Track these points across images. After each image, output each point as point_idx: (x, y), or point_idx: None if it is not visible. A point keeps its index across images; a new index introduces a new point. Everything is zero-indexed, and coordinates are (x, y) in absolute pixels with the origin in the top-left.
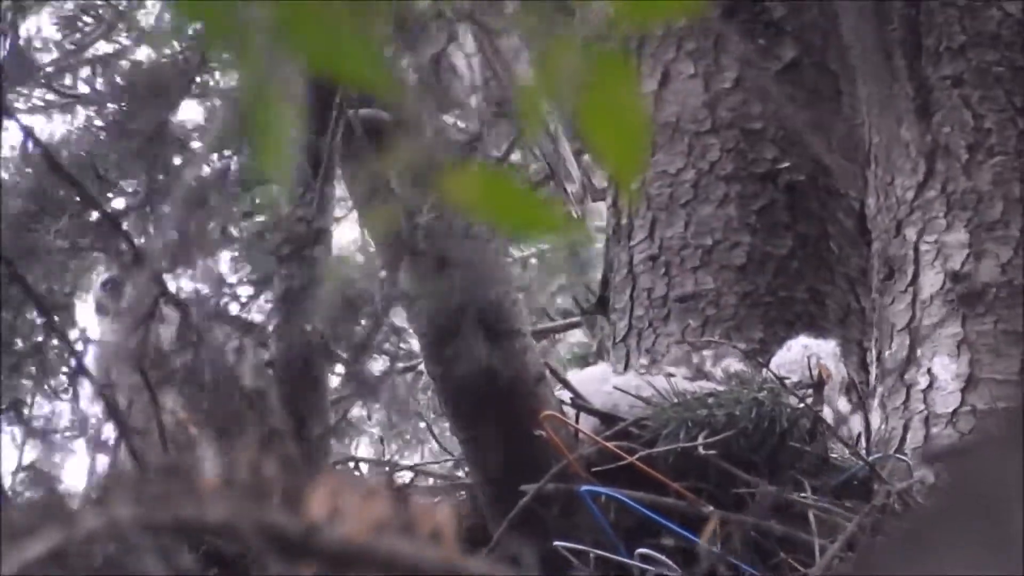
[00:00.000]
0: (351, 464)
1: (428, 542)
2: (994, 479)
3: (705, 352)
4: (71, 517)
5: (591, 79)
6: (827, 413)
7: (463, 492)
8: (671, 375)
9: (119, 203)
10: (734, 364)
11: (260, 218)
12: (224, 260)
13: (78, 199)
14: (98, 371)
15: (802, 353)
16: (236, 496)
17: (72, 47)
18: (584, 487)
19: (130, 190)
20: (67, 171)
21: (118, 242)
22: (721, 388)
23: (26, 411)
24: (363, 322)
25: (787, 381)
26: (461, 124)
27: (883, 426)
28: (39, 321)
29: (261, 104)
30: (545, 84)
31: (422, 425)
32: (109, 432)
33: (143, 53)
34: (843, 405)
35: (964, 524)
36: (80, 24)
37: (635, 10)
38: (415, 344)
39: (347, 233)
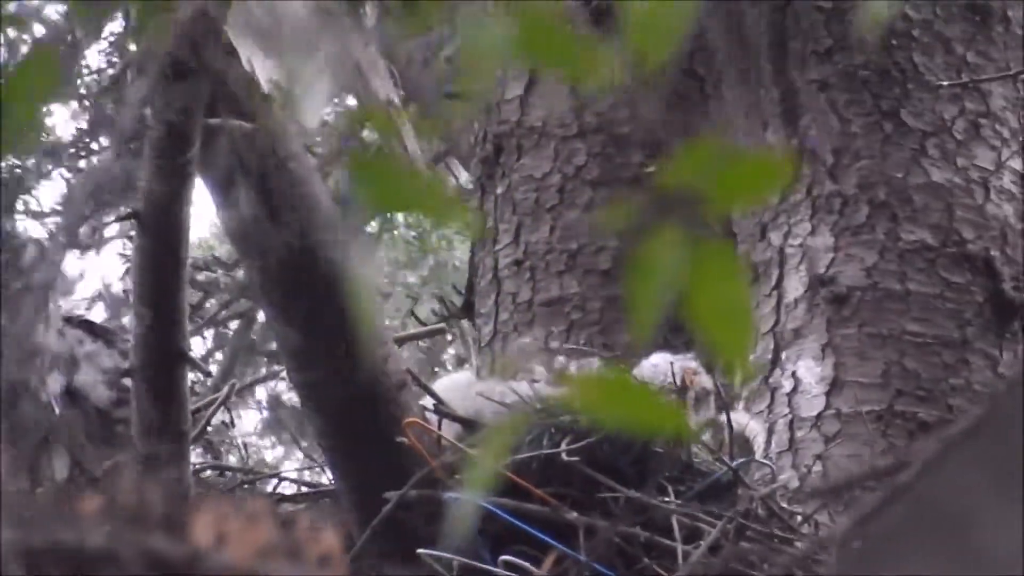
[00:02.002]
0: (214, 472)
1: (315, 567)
2: (954, 494)
3: (569, 358)
4: None
5: (698, 270)
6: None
7: (327, 499)
8: (534, 381)
9: None
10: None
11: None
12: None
13: None
14: None
15: (665, 364)
16: (117, 521)
17: None
18: (449, 494)
19: None
20: None
21: None
22: None
23: None
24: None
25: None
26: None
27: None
28: None
29: None
30: (655, 275)
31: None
32: None
33: None
34: (743, 417)
35: (925, 538)
36: None
37: (726, 195)
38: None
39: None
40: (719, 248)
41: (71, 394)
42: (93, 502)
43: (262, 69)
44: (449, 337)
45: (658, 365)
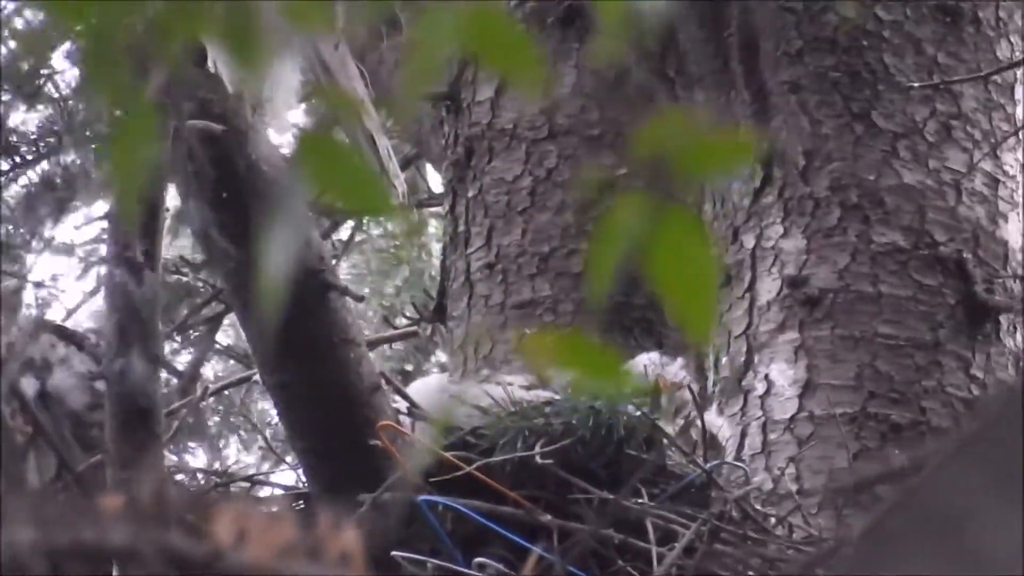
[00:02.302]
0: (186, 475)
1: (335, 566)
2: (953, 495)
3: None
4: None
5: (660, 233)
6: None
7: (300, 502)
8: (508, 384)
9: None
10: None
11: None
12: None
13: None
14: None
15: (646, 366)
16: (138, 520)
17: None
18: (421, 497)
19: None
20: None
21: None
22: (558, 396)
23: None
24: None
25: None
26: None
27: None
28: None
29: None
30: (616, 237)
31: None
32: None
33: None
34: (716, 418)
35: (922, 539)
36: None
37: (696, 164)
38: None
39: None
40: (682, 212)
41: (45, 398)
42: (114, 501)
43: (229, 70)
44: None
45: (647, 366)
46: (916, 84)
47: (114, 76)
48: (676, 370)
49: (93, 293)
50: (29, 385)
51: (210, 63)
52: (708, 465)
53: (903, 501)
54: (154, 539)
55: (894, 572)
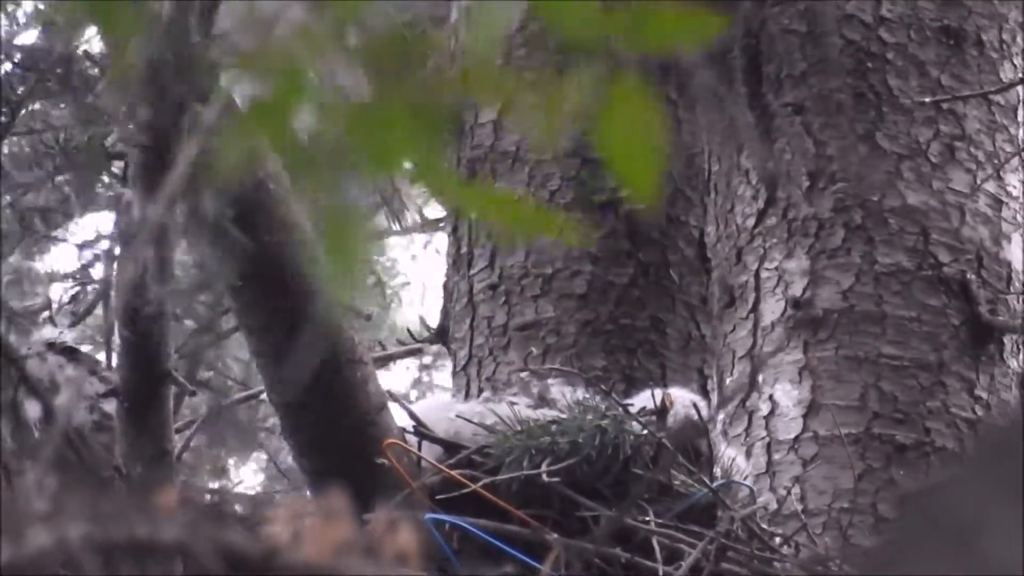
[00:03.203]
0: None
1: (392, 564)
2: (960, 507)
3: (548, 380)
4: (20, 534)
5: (609, 102)
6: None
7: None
8: (514, 403)
9: None
10: (577, 392)
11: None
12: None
13: None
14: None
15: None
16: (193, 516)
17: None
18: (428, 515)
19: None
20: None
21: None
22: (564, 415)
23: None
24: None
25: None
26: None
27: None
28: None
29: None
30: (563, 102)
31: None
32: None
33: None
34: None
35: (937, 550)
36: None
37: (651, 40)
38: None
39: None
40: (633, 85)
41: (51, 419)
42: (170, 497)
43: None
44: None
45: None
46: (926, 99)
47: None
48: (686, 395)
49: (89, 311)
50: (34, 406)
51: (222, 79)
52: (715, 484)
53: (915, 513)
54: (210, 536)
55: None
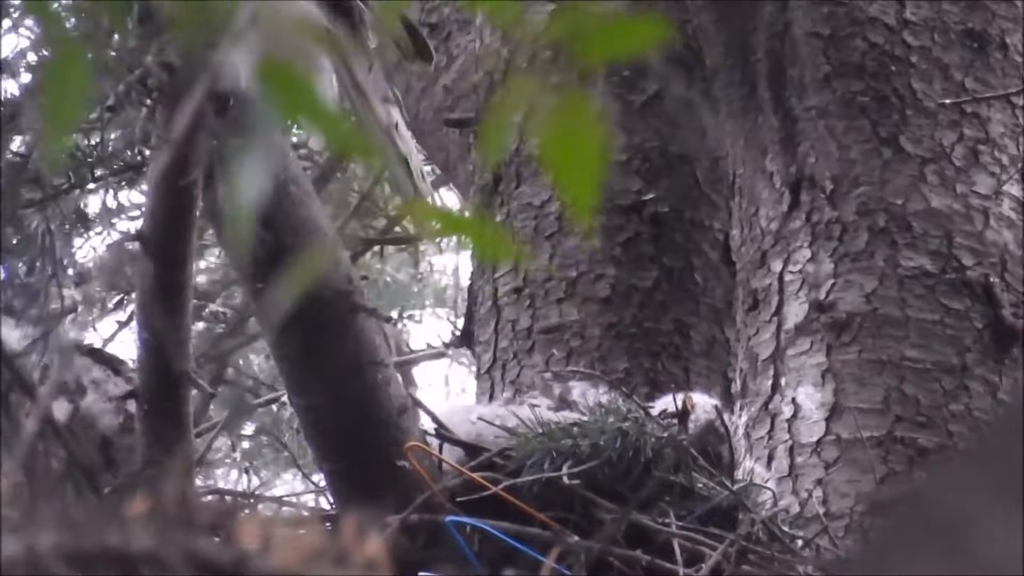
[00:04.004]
0: (216, 495)
1: (361, 572)
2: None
3: (570, 383)
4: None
5: (553, 113)
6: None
7: (328, 523)
8: (535, 405)
9: None
10: (598, 394)
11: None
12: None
13: None
14: None
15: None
16: (163, 525)
17: None
18: (449, 517)
19: None
20: None
21: None
22: (586, 418)
23: None
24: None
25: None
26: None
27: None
28: None
29: None
30: (508, 114)
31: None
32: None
33: None
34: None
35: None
36: None
37: (592, 48)
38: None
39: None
40: (578, 97)
41: (77, 421)
42: (139, 505)
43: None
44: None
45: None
46: (946, 101)
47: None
48: (708, 399)
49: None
50: (61, 408)
51: (244, 84)
52: (736, 487)
53: (906, 507)
54: (179, 544)
55: (893, 572)
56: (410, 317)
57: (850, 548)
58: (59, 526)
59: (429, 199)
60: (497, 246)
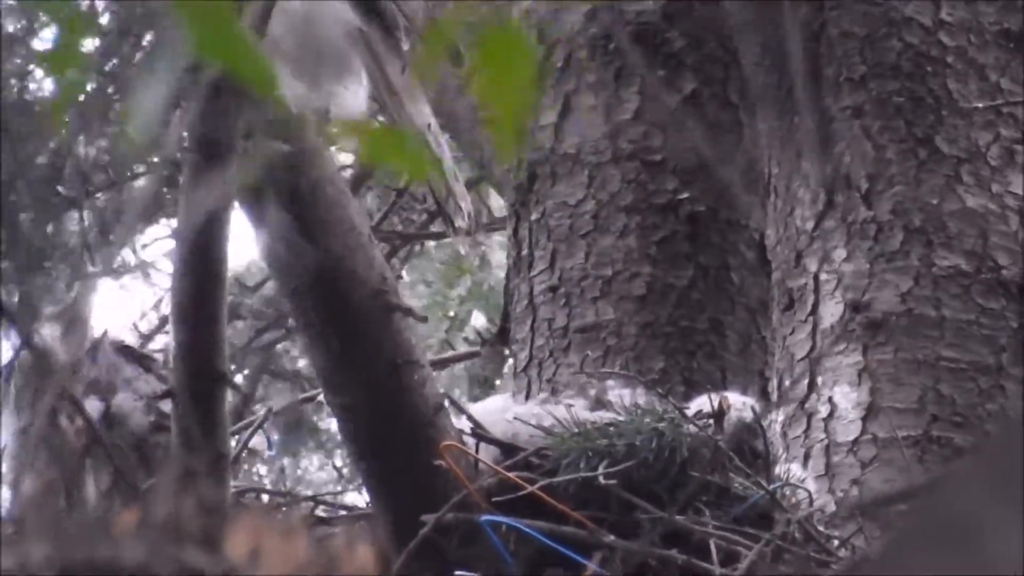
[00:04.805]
0: (251, 494)
1: None
2: (967, 507)
3: (606, 383)
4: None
5: (486, 51)
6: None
7: (364, 522)
8: (571, 405)
9: None
10: (635, 394)
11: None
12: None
13: None
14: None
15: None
16: (153, 537)
17: None
18: (484, 517)
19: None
20: None
21: None
22: (621, 418)
23: None
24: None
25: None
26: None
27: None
28: None
29: None
30: (441, 43)
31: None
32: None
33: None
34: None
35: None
36: None
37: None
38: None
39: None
40: (509, 31)
41: (109, 419)
42: (129, 517)
43: (295, 92)
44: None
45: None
46: (979, 105)
47: None
48: (743, 399)
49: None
50: (93, 406)
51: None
52: (772, 486)
53: (917, 511)
54: (168, 556)
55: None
56: (451, 316)
57: (863, 550)
58: (52, 539)
59: (464, 201)
60: (393, 151)
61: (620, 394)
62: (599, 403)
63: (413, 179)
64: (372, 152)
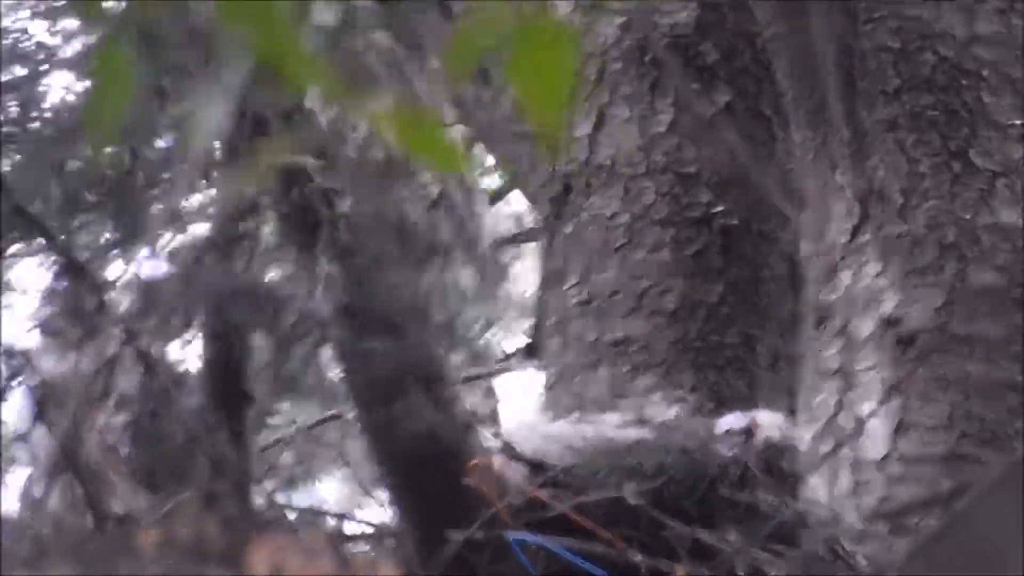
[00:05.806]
0: (275, 511)
1: None
2: (994, 527)
3: (642, 400)
4: None
5: (521, 34)
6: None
7: (392, 539)
8: (601, 423)
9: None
10: (669, 412)
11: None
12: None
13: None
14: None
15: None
16: (177, 555)
17: None
18: (513, 535)
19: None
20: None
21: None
22: (650, 436)
23: None
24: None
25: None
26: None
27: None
28: None
29: None
30: (476, 37)
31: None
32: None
33: None
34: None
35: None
36: None
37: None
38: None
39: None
40: (548, 20)
41: (138, 434)
42: (152, 536)
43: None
44: None
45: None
46: (1018, 122)
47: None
48: (772, 417)
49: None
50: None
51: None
52: (799, 504)
53: (947, 529)
54: (191, 573)
55: None
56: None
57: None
58: (70, 558)
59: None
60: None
61: (656, 412)
62: (640, 421)
63: (445, 171)
64: (408, 142)
